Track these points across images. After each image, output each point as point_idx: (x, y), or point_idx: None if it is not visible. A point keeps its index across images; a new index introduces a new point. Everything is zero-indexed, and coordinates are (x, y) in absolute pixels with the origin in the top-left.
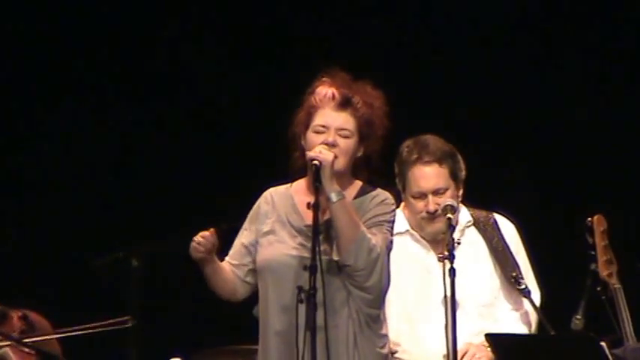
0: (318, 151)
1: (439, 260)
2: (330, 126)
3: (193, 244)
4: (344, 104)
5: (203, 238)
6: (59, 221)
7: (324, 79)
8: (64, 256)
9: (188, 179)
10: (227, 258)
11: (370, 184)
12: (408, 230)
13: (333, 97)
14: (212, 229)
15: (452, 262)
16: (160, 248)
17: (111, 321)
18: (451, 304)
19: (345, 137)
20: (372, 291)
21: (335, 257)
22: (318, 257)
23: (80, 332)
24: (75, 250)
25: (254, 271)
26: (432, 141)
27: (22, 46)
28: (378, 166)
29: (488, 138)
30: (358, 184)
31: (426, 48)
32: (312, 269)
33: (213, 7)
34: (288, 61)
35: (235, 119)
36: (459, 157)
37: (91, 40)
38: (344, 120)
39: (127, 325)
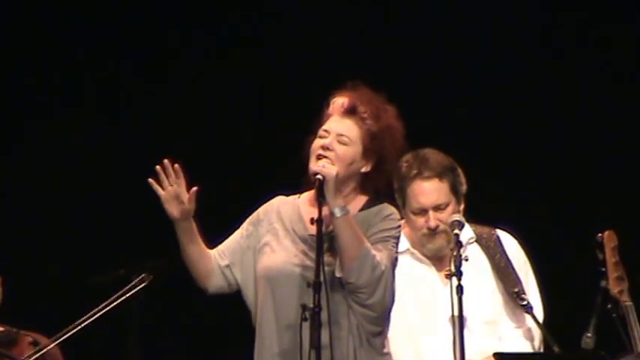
0: (322, 165)
1: (446, 277)
2: (331, 131)
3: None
4: (349, 112)
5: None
6: (57, 237)
7: (342, 91)
8: (61, 273)
9: None
10: (219, 246)
11: (377, 199)
12: (408, 249)
13: (343, 104)
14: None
15: (459, 279)
16: (162, 265)
17: (126, 288)
18: (459, 323)
19: (344, 144)
20: (375, 308)
21: (338, 274)
22: (322, 275)
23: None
24: (73, 267)
25: (231, 270)
26: (432, 155)
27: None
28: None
29: (490, 150)
30: (364, 198)
31: (427, 56)
32: (315, 286)
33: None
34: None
35: (234, 135)
36: (460, 171)
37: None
38: (346, 127)
39: (144, 284)
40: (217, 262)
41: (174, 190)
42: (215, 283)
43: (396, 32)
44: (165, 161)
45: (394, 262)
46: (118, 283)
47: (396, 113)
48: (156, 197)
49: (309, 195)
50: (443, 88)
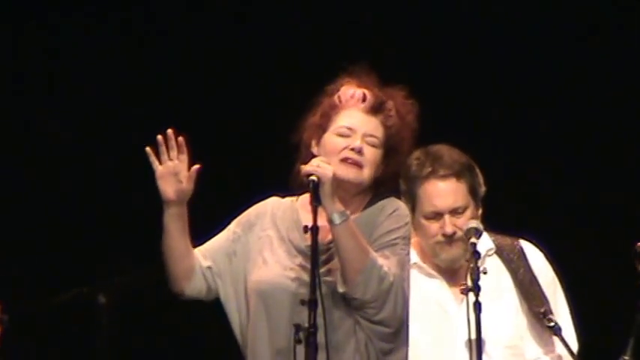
0: (316, 164)
1: (462, 292)
2: (357, 129)
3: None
4: (376, 109)
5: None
6: (13, 250)
7: (348, 79)
8: (18, 291)
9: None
10: (200, 247)
11: (381, 195)
12: (416, 263)
13: (364, 98)
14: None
15: (477, 295)
16: (131, 282)
17: None
18: (476, 347)
19: (373, 146)
20: (387, 323)
21: (341, 289)
22: (319, 291)
23: None
24: (31, 285)
25: (213, 275)
26: (447, 152)
27: None
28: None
29: (512, 148)
30: (368, 196)
31: (441, 37)
32: (311, 304)
33: None
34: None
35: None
36: (478, 170)
37: None
38: (374, 126)
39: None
40: (199, 262)
41: (173, 166)
42: (194, 285)
43: (404, 10)
44: (169, 131)
45: (406, 267)
46: (80, 303)
47: (415, 109)
48: (124, 206)
49: (308, 198)
50: (456, 76)
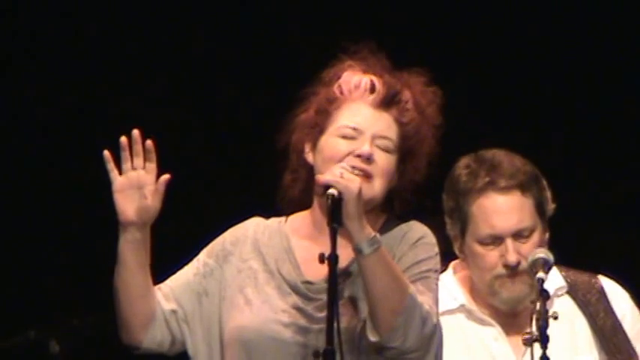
0: (338, 174)
1: (524, 344)
2: (364, 130)
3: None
4: (388, 102)
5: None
6: None
7: (350, 62)
8: None
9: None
10: (160, 285)
11: (398, 217)
12: (464, 305)
13: (372, 88)
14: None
15: (545, 347)
16: (90, 327)
17: None
18: None
19: (386, 151)
20: None
21: (373, 337)
22: (338, 338)
23: None
24: None
25: (178, 321)
26: (506, 158)
27: None
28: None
29: (583, 153)
30: (382, 217)
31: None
32: (327, 357)
33: None
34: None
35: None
36: (545, 183)
37: None
38: (386, 125)
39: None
40: (160, 304)
41: (137, 178)
42: (153, 335)
43: None
44: (135, 132)
45: (438, 306)
46: (28, 351)
47: (437, 98)
48: (79, 231)
49: (301, 219)
50: (504, 59)
